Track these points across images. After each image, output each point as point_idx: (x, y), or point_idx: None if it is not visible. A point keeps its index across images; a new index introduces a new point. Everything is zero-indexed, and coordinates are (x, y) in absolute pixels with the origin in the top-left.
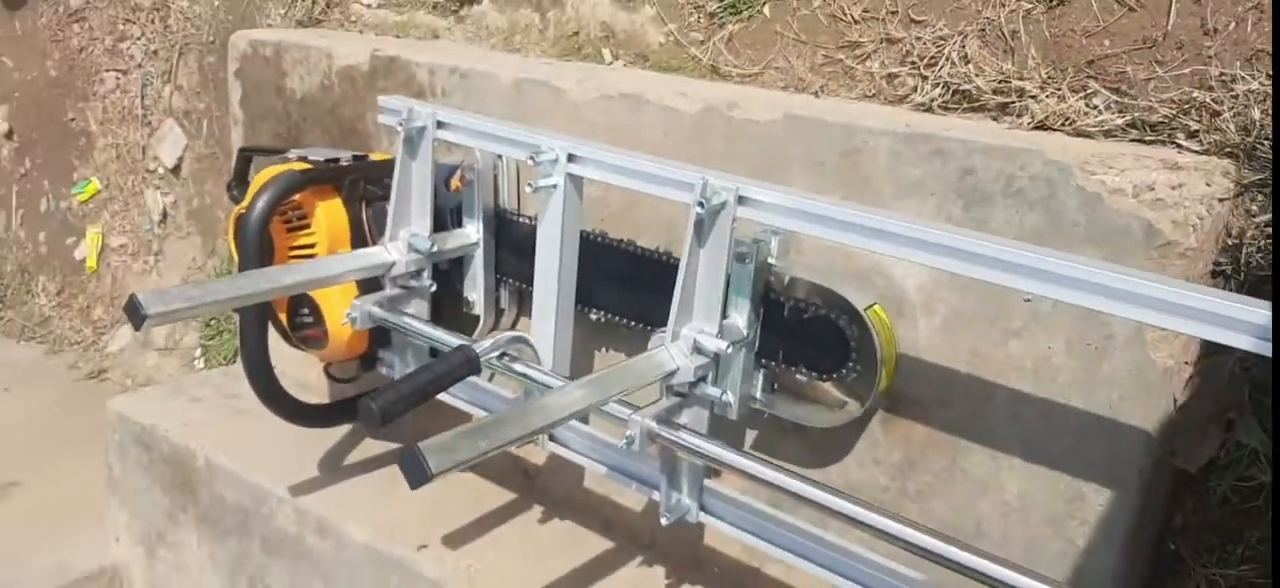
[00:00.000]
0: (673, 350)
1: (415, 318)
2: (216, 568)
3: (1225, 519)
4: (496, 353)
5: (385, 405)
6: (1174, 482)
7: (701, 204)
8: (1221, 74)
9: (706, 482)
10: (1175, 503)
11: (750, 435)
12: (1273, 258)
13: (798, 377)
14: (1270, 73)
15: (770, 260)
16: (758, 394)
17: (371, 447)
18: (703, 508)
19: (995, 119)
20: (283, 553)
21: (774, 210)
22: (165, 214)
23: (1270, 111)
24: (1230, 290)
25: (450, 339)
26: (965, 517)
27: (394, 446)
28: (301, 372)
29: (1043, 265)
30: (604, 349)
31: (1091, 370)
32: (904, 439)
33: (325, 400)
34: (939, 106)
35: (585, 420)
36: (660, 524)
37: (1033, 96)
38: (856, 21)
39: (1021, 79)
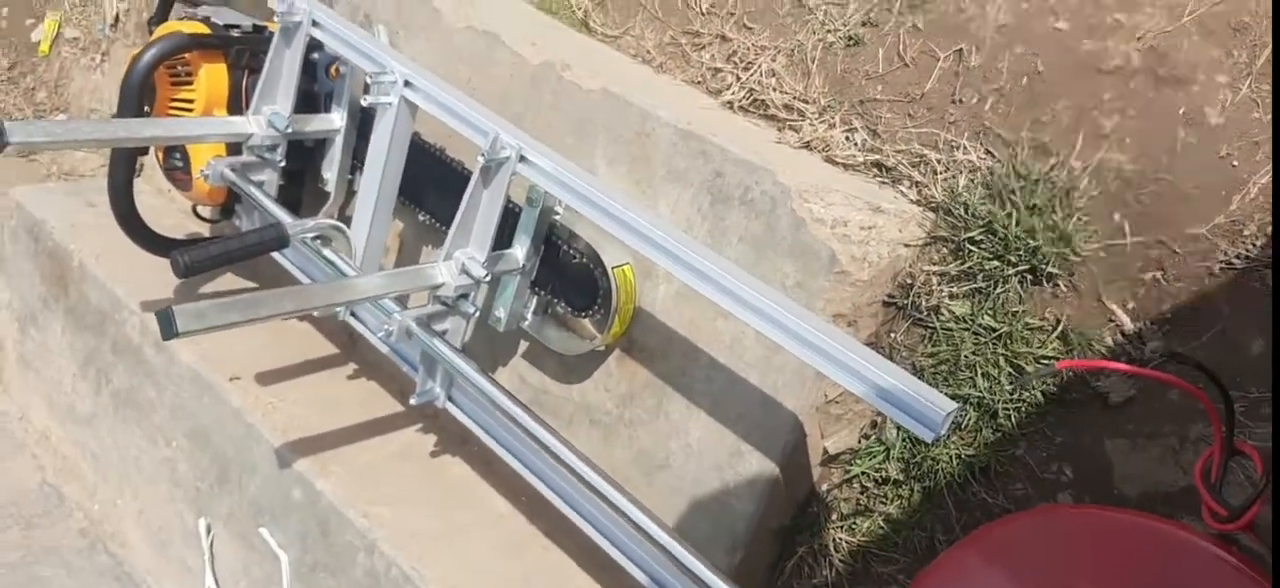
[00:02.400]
0: (443, 268)
1: (259, 187)
2: (73, 356)
3: (857, 496)
4: (311, 235)
5: (191, 261)
6: (823, 458)
7: (489, 154)
8: (951, 141)
9: (459, 378)
10: (823, 475)
11: (523, 346)
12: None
13: (559, 309)
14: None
15: (556, 212)
16: (529, 316)
17: (228, 283)
18: (450, 398)
19: (779, 130)
20: (126, 357)
21: (545, 175)
22: (118, 19)
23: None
24: (901, 322)
25: (279, 213)
26: (660, 449)
27: (250, 286)
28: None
29: (720, 280)
30: (430, 247)
31: (769, 358)
32: (630, 377)
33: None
34: (739, 107)
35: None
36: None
37: (808, 119)
38: (703, 13)
39: (805, 101)
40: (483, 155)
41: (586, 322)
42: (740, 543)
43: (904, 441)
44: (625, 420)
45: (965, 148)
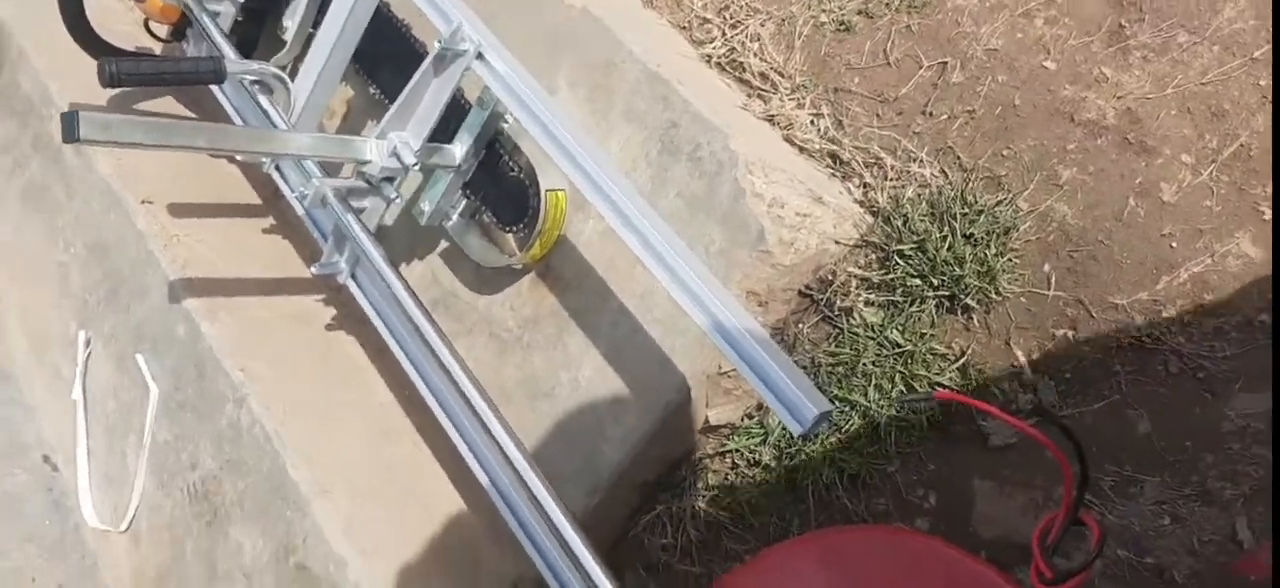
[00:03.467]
0: (374, 146)
1: (213, 18)
2: None
3: (727, 470)
4: (252, 78)
5: (118, 71)
6: (704, 426)
7: (447, 42)
8: (910, 151)
9: (364, 260)
10: (699, 443)
11: (442, 245)
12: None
13: (485, 218)
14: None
15: (505, 120)
16: (454, 216)
17: (166, 107)
18: (354, 276)
19: (748, 96)
20: (45, 153)
21: (499, 80)
22: None
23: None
24: (811, 315)
25: (225, 47)
26: (549, 378)
27: (190, 117)
28: None
29: (645, 231)
30: (374, 124)
31: (675, 319)
32: (538, 301)
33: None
34: (717, 63)
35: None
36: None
37: (779, 93)
38: None
39: (780, 74)
40: (440, 41)
41: (510, 237)
42: (601, 487)
43: (783, 429)
44: (523, 343)
45: (922, 161)
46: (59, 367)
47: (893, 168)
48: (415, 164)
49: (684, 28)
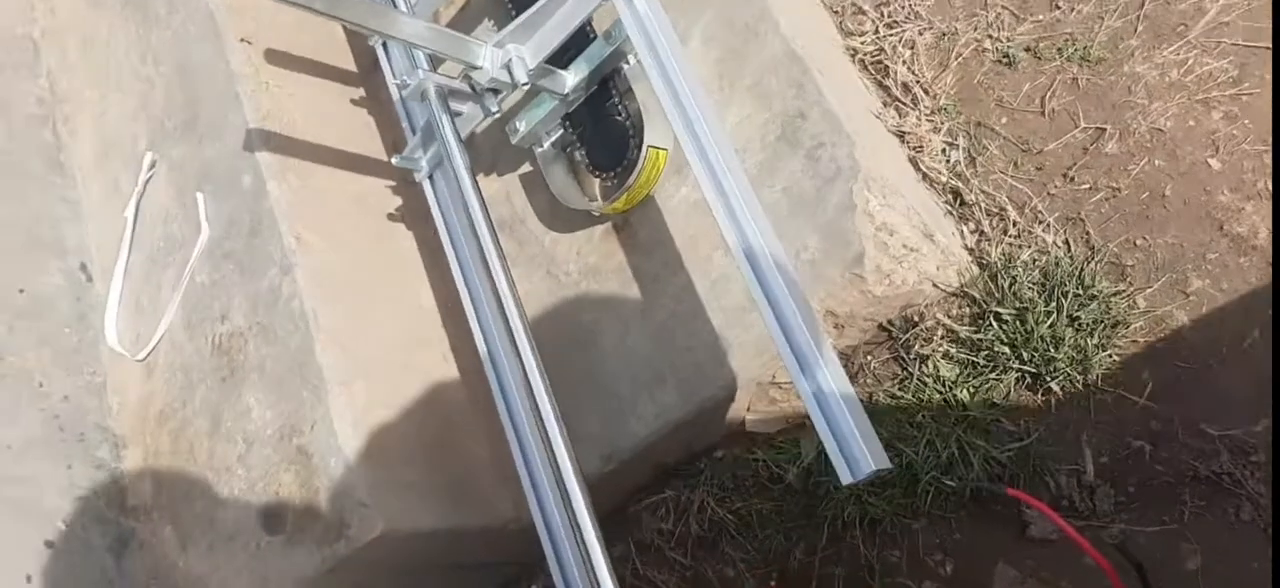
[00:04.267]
0: (489, 53)
1: None
2: None
3: (747, 477)
4: None
5: None
6: (737, 428)
7: None
8: (1039, 211)
9: (447, 164)
10: (728, 442)
11: (524, 168)
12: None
13: (577, 155)
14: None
15: (627, 60)
16: (546, 144)
17: None
18: (430, 177)
19: (884, 104)
20: None
21: (637, 19)
22: None
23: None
24: (883, 350)
25: None
26: (595, 333)
27: None
28: None
29: (743, 220)
30: (493, 24)
31: (742, 314)
32: (607, 254)
33: None
34: (861, 59)
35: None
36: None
37: (919, 111)
38: None
39: (925, 91)
40: None
41: (597, 181)
42: (619, 458)
43: (820, 459)
44: (580, 289)
45: (1050, 226)
46: (119, 180)
47: (1016, 224)
48: (527, 84)
49: (836, 11)
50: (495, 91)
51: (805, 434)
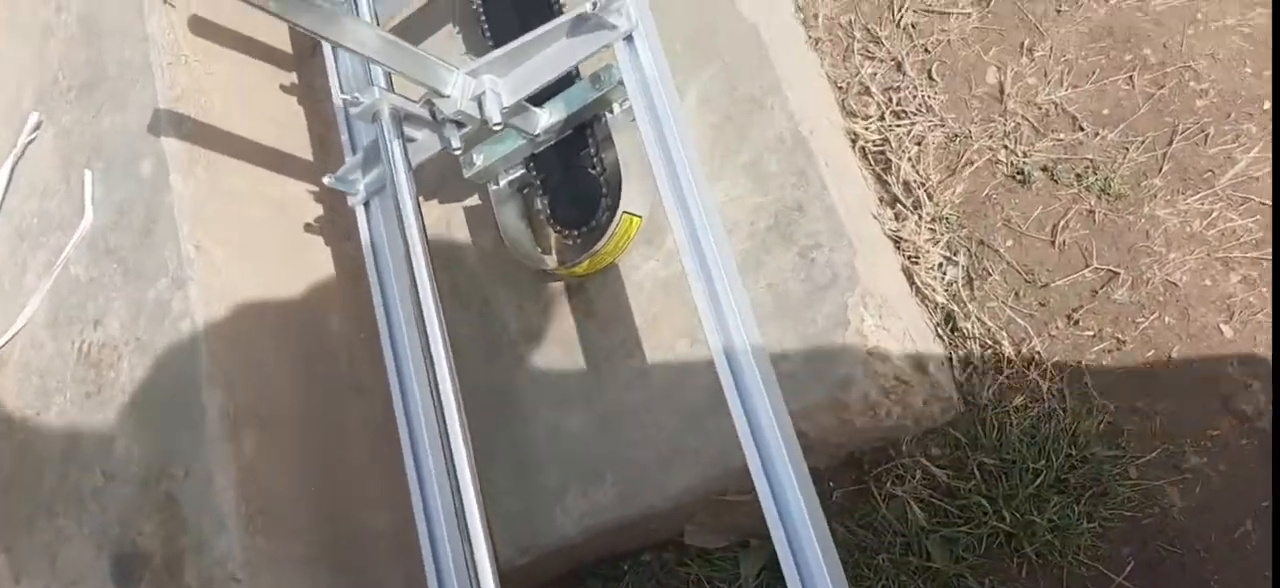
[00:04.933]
0: (460, 81)
1: None
2: None
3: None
4: None
5: None
6: (669, 543)
7: (602, 6)
8: (1037, 354)
9: (391, 198)
10: (657, 552)
11: (472, 200)
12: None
13: (538, 203)
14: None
15: (612, 109)
16: (500, 184)
17: None
18: (366, 205)
19: (880, 201)
20: None
21: (638, 72)
22: None
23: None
24: (849, 478)
25: None
26: (529, 406)
27: None
28: None
29: (728, 312)
30: (462, 39)
31: (701, 421)
32: (553, 317)
33: None
34: (862, 147)
35: None
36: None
37: (918, 218)
38: (899, 24)
39: (928, 195)
40: (594, 5)
41: (555, 236)
42: (535, 551)
43: (759, 578)
44: (516, 353)
45: (1048, 372)
46: None
47: (1011, 363)
48: (498, 125)
49: (840, 87)
50: (459, 125)
51: (747, 555)
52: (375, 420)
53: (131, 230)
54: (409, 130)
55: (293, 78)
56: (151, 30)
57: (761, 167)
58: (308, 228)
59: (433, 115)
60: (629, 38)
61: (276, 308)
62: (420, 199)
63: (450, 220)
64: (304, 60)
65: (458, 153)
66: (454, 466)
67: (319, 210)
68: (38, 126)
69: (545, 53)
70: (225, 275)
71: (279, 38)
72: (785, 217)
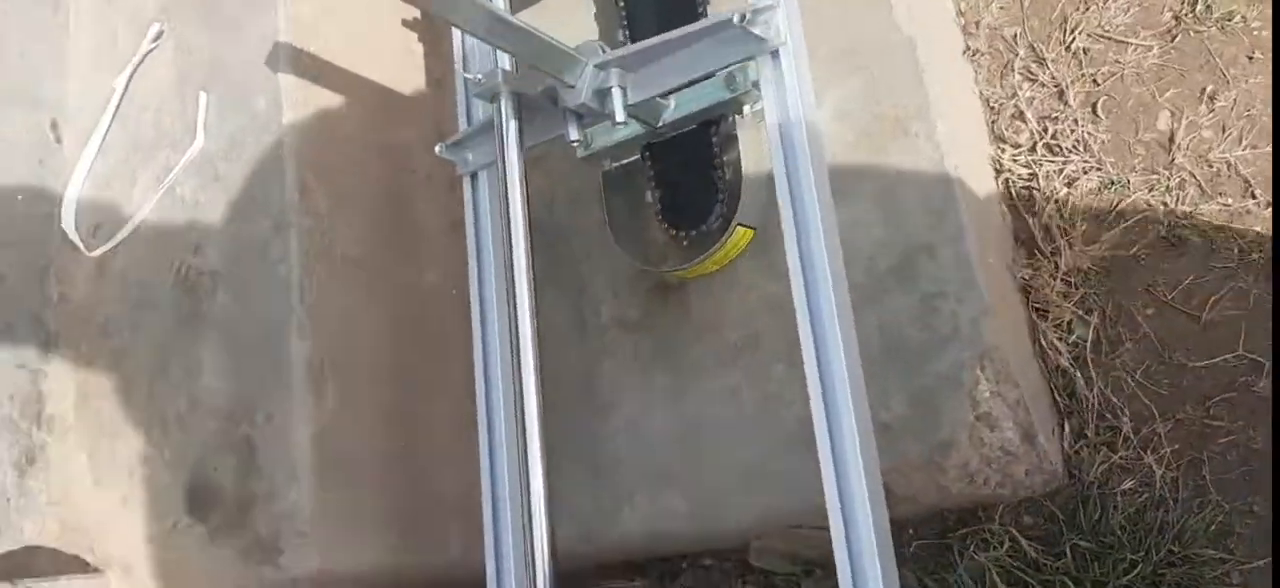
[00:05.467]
0: (588, 74)
1: None
2: None
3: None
4: None
5: None
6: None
7: (750, 16)
8: (1156, 435)
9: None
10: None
11: (580, 177)
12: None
13: (649, 196)
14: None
15: (743, 112)
16: (612, 166)
17: None
18: (473, 177)
19: (1017, 244)
20: None
21: (778, 87)
22: None
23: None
24: (931, 532)
25: None
26: (612, 400)
27: None
28: None
29: (825, 338)
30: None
31: (789, 449)
32: (648, 312)
33: None
34: (1006, 179)
35: None
36: None
37: (1054, 269)
38: (1070, 45)
39: (1069, 245)
40: (742, 14)
41: (663, 232)
42: (597, 541)
43: None
44: (607, 339)
45: (1166, 459)
46: (118, 35)
47: (1127, 442)
48: (623, 123)
49: (993, 107)
50: (580, 117)
51: (810, 584)
52: (458, 378)
53: (240, 163)
54: (529, 113)
55: (416, 11)
56: None
57: (895, 197)
58: (413, 174)
59: (553, 101)
60: (776, 53)
61: (373, 258)
62: (527, 173)
63: (556, 194)
64: (426, 30)
65: (574, 144)
66: (526, 450)
67: (427, 158)
68: (159, 37)
69: (681, 55)
70: (326, 224)
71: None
72: (912, 256)
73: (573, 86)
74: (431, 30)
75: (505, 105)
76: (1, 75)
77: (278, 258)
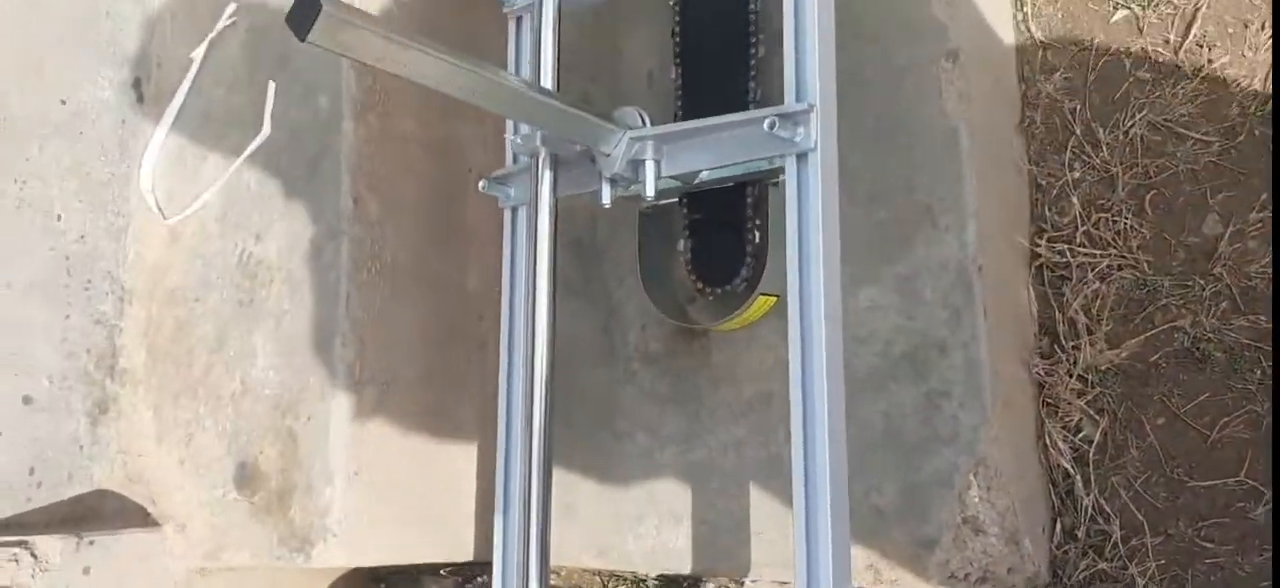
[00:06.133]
0: (623, 144)
1: None
2: None
3: None
4: None
5: None
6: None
7: (781, 119)
8: (1141, 548)
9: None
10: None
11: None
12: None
13: (681, 240)
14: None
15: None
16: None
17: None
18: (513, 211)
19: (1038, 334)
20: None
21: (802, 189)
22: None
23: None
24: None
25: None
26: (628, 429)
27: None
28: None
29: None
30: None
31: (783, 515)
32: (671, 351)
33: None
34: (1039, 266)
35: None
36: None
37: (1071, 362)
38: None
39: (1092, 344)
40: (772, 120)
41: (687, 284)
42: (604, 554)
43: None
44: (629, 370)
45: (1151, 574)
46: (196, 3)
47: (1115, 549)
48: (653, 199)
49: (1040, 186)
50: (614, 182)
51: None
52: (490, 378)
53: (301, 160)
54: (564, 166)
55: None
56: None
57: (915, 287)
58: (468, 172)
59: (589, 160)
60: (804, 155)
61: (420, 264)
62: (559, 215)
63: (598, 216)
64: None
65: (603, 202)
66: (531, 465)
67: (480, 155)
68: (234, 15)
69: (714, 143)
70: (376, 231)
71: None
72: (924, 352)
73: (608, 155)
74: (494, 17)
75: (541, 165)
76: (86, 29)
77: (329, 263)
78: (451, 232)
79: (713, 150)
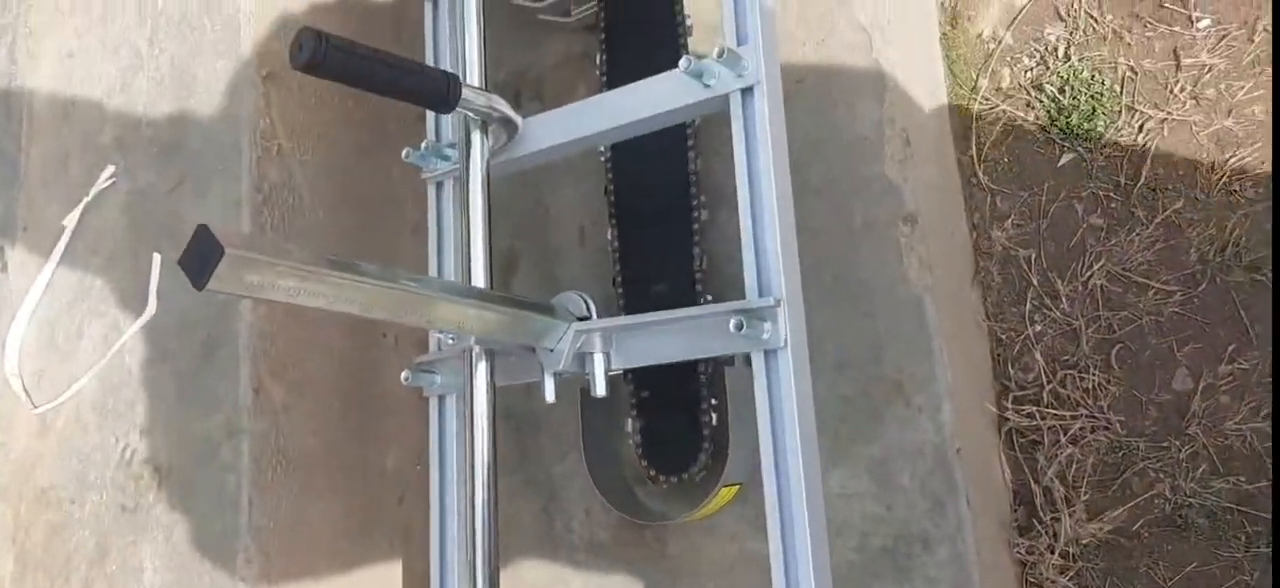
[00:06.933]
0: (568, 337)
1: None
2: None
3: None
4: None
5: (322, 53)
6: None
7: (744, 315)
8: None
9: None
10: None
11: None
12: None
13: (629, 420)
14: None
15: (733, 360)
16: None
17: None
18: (440, 399)
19: (1015, 508)
20: None
21: (770, 386)
22: None
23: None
24: None
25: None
26: None
27: None
28: None
29: None
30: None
31: None
32: (619, 541)
33: None
34: (1008, 433)
35: None
36: None
37: (1052, 538)
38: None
39: (1072, 517)
40: (738, 322)
41: (639, 471)
42: None
43: None
44: (575, 562)
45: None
46: (70, 159)
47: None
48: (602, 395)
49: (1001, 341)
50: (558, 374)
51: None
52: (419, 570)
53: (193, 343)
54: (500, 357)
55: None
56: (246, 110)
57: (891, 473)
58: (383, 340)
59: (528, 348)
60: (774, 351)
61: (330, 448)
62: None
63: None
64: (410, 130)
65: (551, 402)
66: None
67: (398, 327)
68: (113, 178)
69: (670, 335)
70: (281, 421)
71: (379, 112)
72: (906, 546)
73: (551, 350)
74: (406, 181)
75: (475, 355)
76: None
77: (227, 465)
78: (367, 409)
79: (668, 344)
